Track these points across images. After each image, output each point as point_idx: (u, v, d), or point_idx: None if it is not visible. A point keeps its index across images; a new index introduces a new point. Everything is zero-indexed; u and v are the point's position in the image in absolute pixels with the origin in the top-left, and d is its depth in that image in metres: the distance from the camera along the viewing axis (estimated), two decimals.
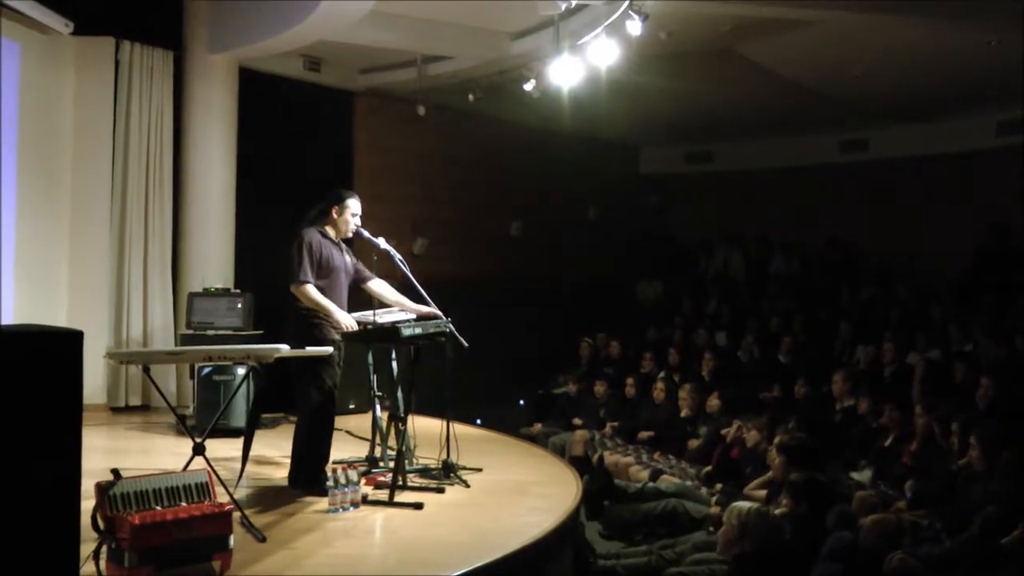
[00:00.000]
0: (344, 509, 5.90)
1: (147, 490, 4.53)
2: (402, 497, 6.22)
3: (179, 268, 10.73)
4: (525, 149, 14.28)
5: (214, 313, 9.45)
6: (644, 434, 9.72)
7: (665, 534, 7.16)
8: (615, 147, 16.54)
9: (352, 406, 9.86)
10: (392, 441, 7.01)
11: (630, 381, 10.64)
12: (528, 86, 9.98)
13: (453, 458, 6.96)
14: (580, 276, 15.27)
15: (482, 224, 14.18)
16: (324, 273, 6.47)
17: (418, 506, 6.06)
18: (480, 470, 7.23)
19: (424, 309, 6.87)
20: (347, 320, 6.40)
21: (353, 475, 6.01)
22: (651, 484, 7.87)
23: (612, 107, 12.18)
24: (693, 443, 9.02)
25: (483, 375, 10.56)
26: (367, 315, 6.74)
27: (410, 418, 6.82)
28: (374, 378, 7.32)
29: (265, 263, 10.83)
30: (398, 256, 6.94)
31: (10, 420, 3.43)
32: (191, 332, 9.42)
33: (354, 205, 6.71)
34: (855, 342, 11.20)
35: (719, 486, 7.69)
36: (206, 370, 8.87)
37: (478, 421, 10.22)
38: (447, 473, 6.89)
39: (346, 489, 5.93)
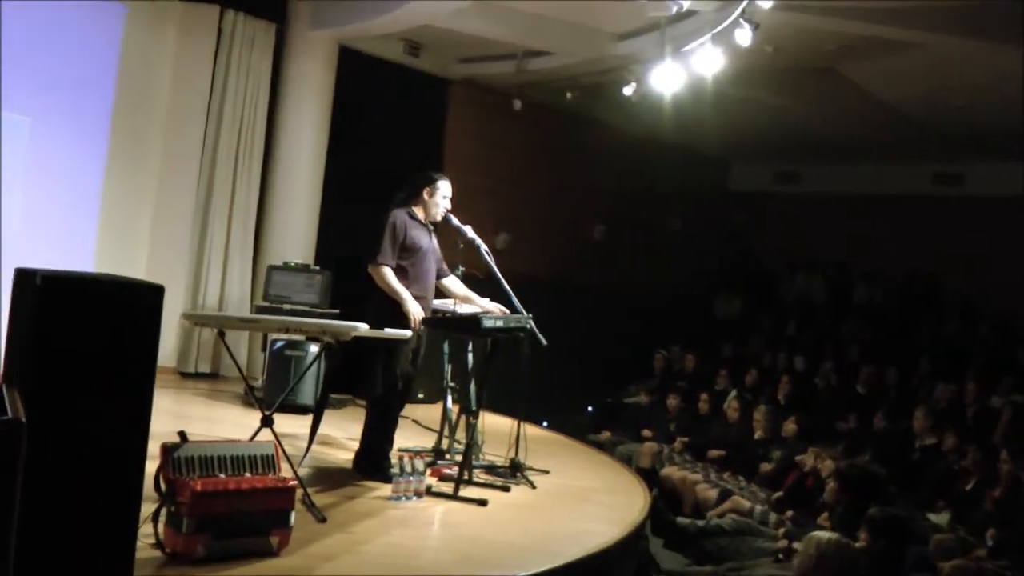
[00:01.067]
0: (407, 498, 5.77)
1: (212, 456, 4.43)
2: (467, 492, 6.07)
3: (260, 240, 10.74)
4: (615, 153, 14.07)
5: (291, 288, 9.40)
6: (714, 452, 9.45)
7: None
8: (705, 160, 16.30)
9: (421, 395, 9.77)
10: (461, 434, 6.88)
11: (704, 397, 10.37)
12: (627, 89, 9.79)
13: (521, 458, 6.81)
14: (658, 286, 15.04)
15: (566, 224, 14.03)
16: (408, 254, 6.31)
17: (482, 503, 5.91)
18: (547, 472, 7.06)
19: (489, 307, 6.70)
20: (416, 310, 6.18)
21: (419, 464, 5.88)
22: (714, 521, 7.59)
23: (706, 119, 11.95)
24: (765, 467, 8.73)
25: (552, 377, 10.39)
26: (447, 303, 6.62)
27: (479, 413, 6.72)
28: (448, 369, 7.20)
29: (347, 243, 10.83)
30: (484, 247, 6.80)
31: (86, 367, 3.37)
32: (267, 305, 9.38)
33: (444, 187, 6.56)
34: (934, 378, 10.85)
35: (789, 513, 7.42)
36: (278, 344, 8.83)
37: (544, 423, 10.05)
38: (514, 472, 6.74)
39: (411, 478, 5.80)
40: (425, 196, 6.50)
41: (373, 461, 6.22)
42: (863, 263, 15.41)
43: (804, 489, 7.71)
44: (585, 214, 14.36)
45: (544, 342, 6.55)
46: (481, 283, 6.95)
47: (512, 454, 6.80)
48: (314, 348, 8.80)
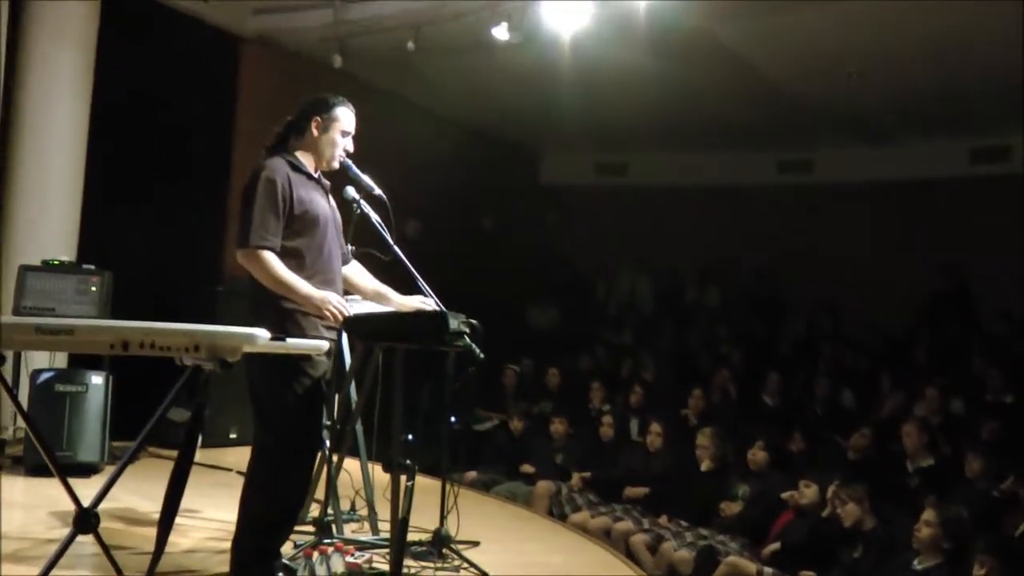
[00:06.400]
0: None
1: None
2: None
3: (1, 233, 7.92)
4: (432, 139, 12.09)
5: (57, 296, 6.60)
6: (634, 491, 7.47)
7: None
8: (519, 149, 14.54)
9: (234, 435, 7.46)
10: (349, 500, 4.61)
11: (607, 420, 8.25)
12: (498, 31, 7.74)
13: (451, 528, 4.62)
14: (473, 293, 13.01)
15: None
16: (301, 227, 3.91)
17: None
18: (477, 543, 4.87)
19: (415, 304, 4.45)
20: (335, 302, 3.85)
21: (338, 563, 3.54)
22: None
23: (523, 102, 10.55)
24: (730, 507, 6.72)
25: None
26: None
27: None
28: (334, 398, 4.84)
29: (119, 234, 8.29)
30: (376, 218, 4.61)
31: None
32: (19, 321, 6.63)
33: (345, 118, 4.23)
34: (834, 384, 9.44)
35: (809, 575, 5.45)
36: (44, 376, 6.20)
37: None
38: (439, 549, 4.52)
39: None
40: (315, 131, 4.11)
41: (257, 553, 3.68)
42: (698, 262, 13.96)
43: (816, 538, 5.74)
44: (398, 208, 12.17)
45: (481, 356, 4.34)
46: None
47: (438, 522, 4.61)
48: (97, 379, 6.26)
